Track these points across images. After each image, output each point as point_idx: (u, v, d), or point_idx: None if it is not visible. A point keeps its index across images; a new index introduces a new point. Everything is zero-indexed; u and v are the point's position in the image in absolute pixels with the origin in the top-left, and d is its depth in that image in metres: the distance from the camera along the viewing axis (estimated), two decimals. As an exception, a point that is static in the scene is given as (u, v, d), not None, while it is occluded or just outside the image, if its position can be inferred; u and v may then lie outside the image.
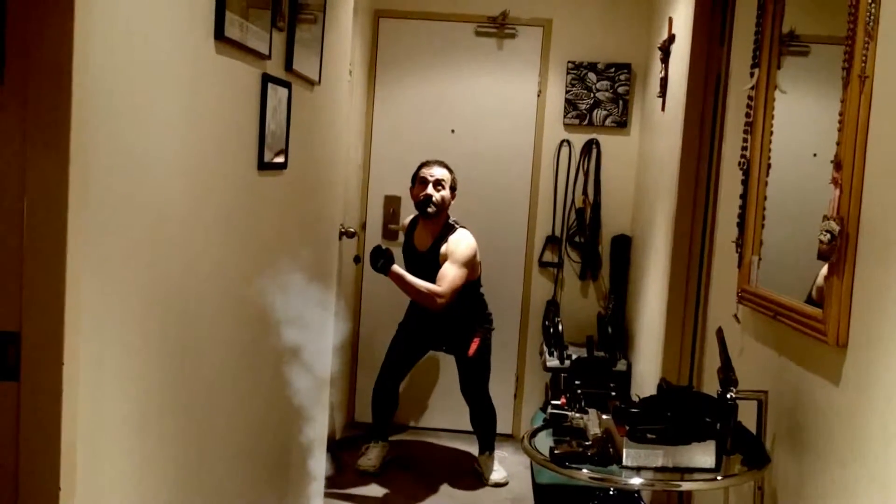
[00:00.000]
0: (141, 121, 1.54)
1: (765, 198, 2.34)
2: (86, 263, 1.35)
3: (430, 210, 3.91)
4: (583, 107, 4.66)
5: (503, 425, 4.60)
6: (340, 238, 3.78)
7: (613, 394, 2.31)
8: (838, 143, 1.78)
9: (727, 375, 2.14)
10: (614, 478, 2.06)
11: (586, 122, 4.66)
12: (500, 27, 4.68)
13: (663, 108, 3.87)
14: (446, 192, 3.94)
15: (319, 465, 3.25)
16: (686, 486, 2.28)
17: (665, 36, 3.85)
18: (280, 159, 2.40)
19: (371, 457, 4.18)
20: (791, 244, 2.25)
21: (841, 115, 1.78)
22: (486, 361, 4.10)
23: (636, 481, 2.04)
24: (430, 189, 3.91)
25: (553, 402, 2.40)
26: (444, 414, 4.82)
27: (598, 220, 4.71)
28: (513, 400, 4.84)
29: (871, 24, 1.68)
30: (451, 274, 3.80)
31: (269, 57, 2.21)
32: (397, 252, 4.03)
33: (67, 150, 1.28)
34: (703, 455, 2.03)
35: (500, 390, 4.57)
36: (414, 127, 4.76)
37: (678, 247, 3.31)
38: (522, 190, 4.77)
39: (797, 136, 2.28)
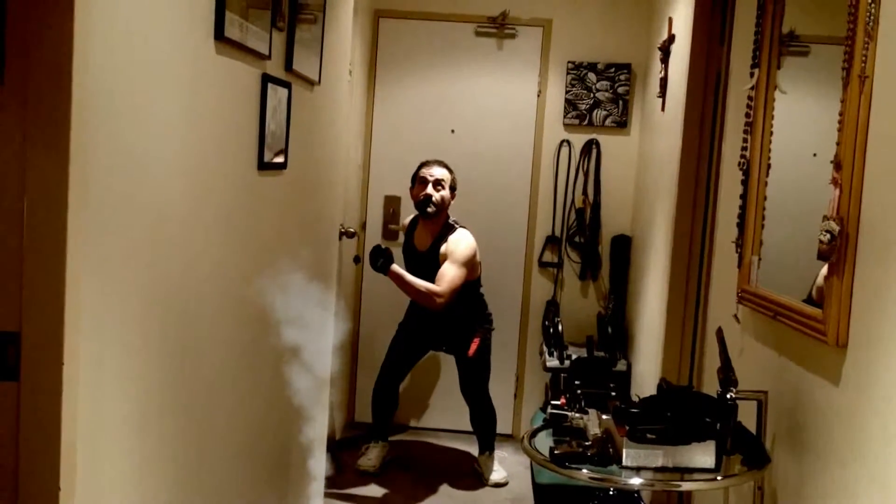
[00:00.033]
0: (141, 121, 1.54)
1: (765, 198, 2.34)
2: (86, 263, 1.35)
3: (429, 210, 3.91)
4: (583, 107, 4.66)
5: (503, 425, 4.60)
6: (340, 238, 3.78)
7: (613, 394, 2.31)
8: (838, 144, 1.78)
9: (727, 375, 2.14)
10: (614, 478, 2.06)
11: (586, 122, 4.67)
12: (499, 27, 4.68)
13: (663, 109, 3.87)
14: (446, 192, 3.94)
15: (319, 465, 3.26)
16: (686, 486, 2.28)
17: (665, 36, 3.85)
18: (280, 159, 2.40)
19: (371, 457, 4.18)
20: (791, 244, 2.25)
21: (841, 115, 1.78)
22: (485, 361, 4.10)
23: (636, 481, 2.04)
24: (429, 189, 3.91)
25: (553, 402, 2.40)
26: (444, 414, 4.82)
27: (597, 220, 4.71)
28: (513, 400, 4.84)
29: (870, 24, 1.69)
30: (450, 274, 3.80)
31: (268, 57, 2.21)
32: (397, 252, 4.03)
33: (67, 150, 1.28)
34: (702, 455, 2.03)
35: (500, 390, 4.57)
36: (414, 127, 4.76)
37: (678, 247, 3.31)
38: (522, 190, 4.77)
39: (797, 136, 2.28)
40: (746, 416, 2.19)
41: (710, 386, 2.60)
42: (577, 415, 2.31)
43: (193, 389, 1.89)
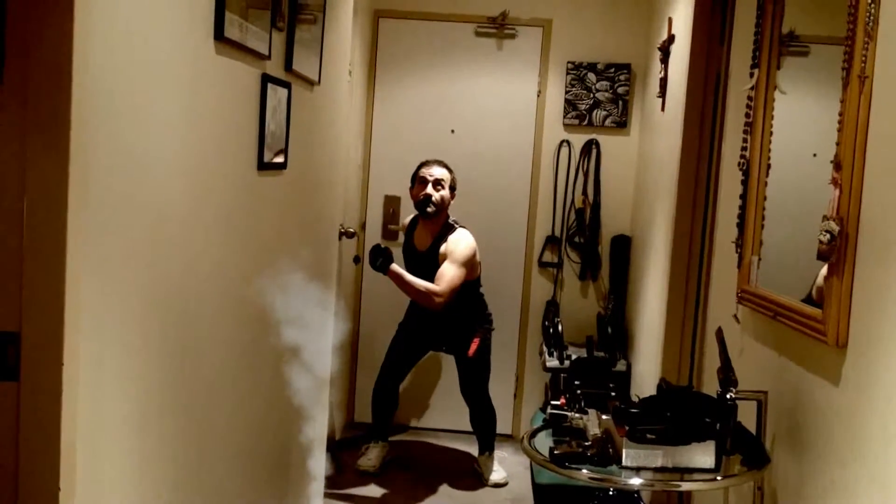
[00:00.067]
0: (141, 121, 1.54)
1: (764, 198, 2.34)
2: (86, 263, 1.35)
3: (429, 210, 3.91)
4: (582, 107, 4.66)
5: (503, 425, 4.60)
6: (340, 238, 3.78)
7: (613, 394, 2.31)
8: (838, 144, 1.78)
9: (727, 376, 2.14)
10: (614, 478, 2.06)
11: (586, 122, 4.67)
12: (499, 27, 4.68)
13: (663, 109, 3.87)
14: (446, 192, 3.94)
15: (319, 465, 3.26)
16: (686, 486, 2.28)
17: (665, 36, 3.85)
18: (280, 159, 2.40)
19: (371, 457, 4.18)
20: (791, 244, 2.25)
21: (840, 115, 1.78)
22: (485, 362, 4.10)
23: (636, 481, 2.04)
24: (429, 189, 3.91)
25: (553, 402, 2.40)
26: (444, 414, 4.82)
27: (597, 221, 4.71)
28: (512, 400, 4.84)
29: (870, 24, 1.69)
30: (449, 273, 3.80)
31: (268, 57, 2.21)
32: (397, 252, 4.03)
33: (67, 150, 1.28)
34: (702, 455, 2.03)
35: (499, 390, 4.57)
36: (414, 127, 4.76)
37: (678, 247, 3.31)
38: (522, 190, 4.77)
39: (797, 136, 2.28)
40: (746, 416, 2.19)
41: (710, 386, 2.60)
42: (577, 415, 2.31)
43: (193, 389, 1.90)
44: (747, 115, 2.43)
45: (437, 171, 3.95)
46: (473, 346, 3.99)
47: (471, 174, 4.56)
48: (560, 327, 4.34)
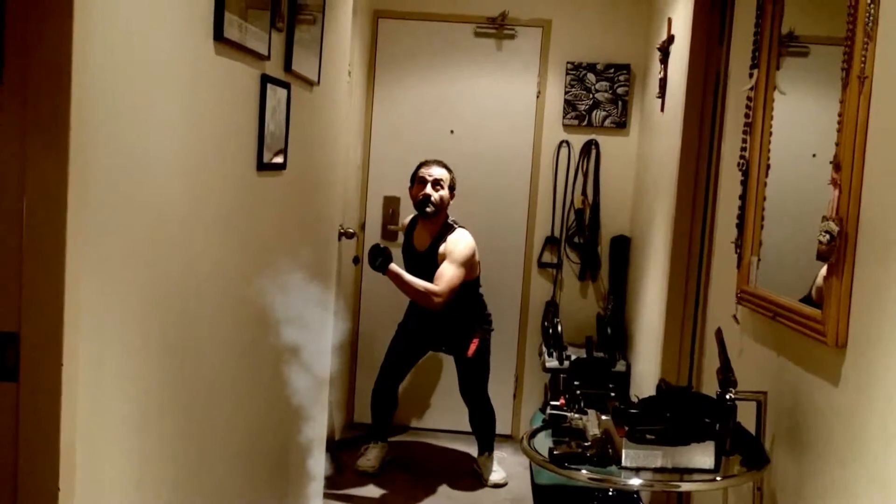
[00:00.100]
0: (141, 121, 1.54)
1: (764, 198, 2.34)
2: (85, 263, 1.35)
3: (428, 210, 3.91)
4: (582, 107, 4.66)
5: (502, 426, 4.60)
6: (340, 239, 3.78)
7: (612, 394, 2.31)
8: (837, 144, 1.78)
9: (726, 376, 2.14)
10: (613, 478, 2.06)
11: (585, 122, 4.67)
12: (499, 28, 4.68)
13: (662, 109, 3.87)
14: (445, 192, 3.94)
15: (319, 465, 3.26)
16: (685, 486, 2.28)
17: (664, 36, 3.85)
18: (279, 160, 2.40)
19: (370, 457, 4.18)
20: (790, 245, 2.25)
21: (840, 115, 1.78)
22: (485, 362, 4.10)
23: (635, 482, 2.04)
24: (428, 189, 3.91)
25: (552, 402, 2.40)
26: (444, 415, 4.81)
27: (597, 221, 4.71)
28: (512, 400, 4.84)
29: (870, 24, 1.69)
30: (448, 273, 3.80)
31: (268, 58, 2.21)
32: (396, 252, 4.03)
33: (67, 150, 1.28)
34: (702, 456, 2.03)
35: (499, 391, 4.57)
36: (413, 127, 4.76)
37: (677, 247, 3.31)
38: (522, 191, 4.77)
39: (796, 136, 2.28)
40: (746, 416, 2.19)
41: (710, 386, 2.60)
42: (577, 415, 2.31)
43: (193, 389, 1.89)
44: (747, 116, 2.43)
45: (437, 171, 3.95)
46: (472, 347, 3.99)
47: (470, 174, 4.56)
48: (559, 328, 4.34)
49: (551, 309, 4.67)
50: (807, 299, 1.97)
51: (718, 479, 2.05)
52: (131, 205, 1.52)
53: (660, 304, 3.49)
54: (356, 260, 4.39)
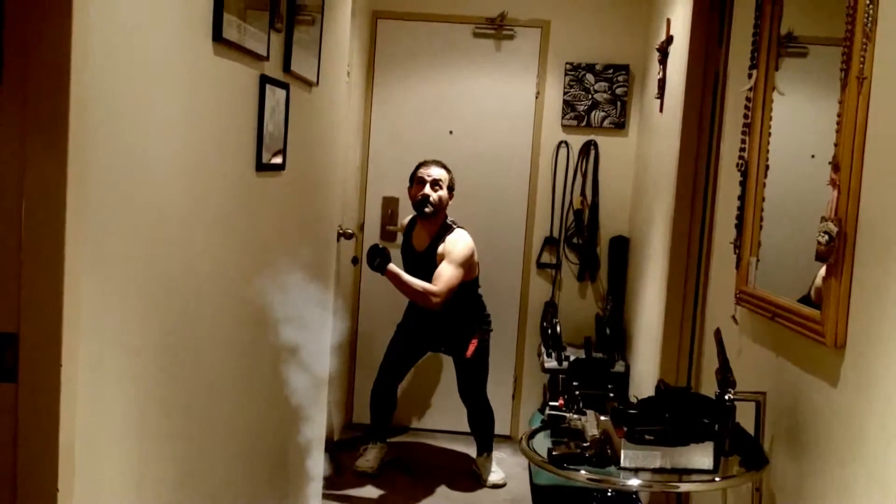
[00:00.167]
0: (140, 121, 1.54)
1: (763, 199, 2.34)
2: (85, 263, 1.35)
3: (427, 210, 3.91)
4: (581, 108, 4.66)
5: (501, 426, 4.60)
6: (339, 239, 3.78)
7: (611, 395, 2.31)
8: (836, 145, 1.78)
9: (725, 376, 2.14)
10: (612, 479, 2.06)
11: (584, 123, 4.67)
12: (498, 28, 4.68)
13: (661, 110, 3.87)
14: (444, 192, 3.94)
15: (318, 465, 3.26)
16: (684, 487, 2.28)
17: (663, 37, 3.85)
18: (278, 160, 2.40)
19: (369, 458, 4.18)
20: (789, 245, 2.26)
21: (839, 116, 1.78)
22: (483, 363, 4.10)
23: (634, 482, 2.04)
24: (427, 189, 3.91)
25: (551, 403, 2.40)
26: (443, 415, 4.81)
27: (596, 222, 4.71)
28: (511, 401, 4.84)
29: (869, 25, 1.69)
30: (447, 273, 3.80)
31: (266, 58, 2.21)
32: (395, 252, 4.03)
33: (66, 150, 1.28)
34: (701, 456, 2.03)
35: (498, 391, 4.57)
36: (412, 128, 4.76)
37: (676, 248, 3.31)
38: (520, 191, 4.77)
39: (795, 137, 2.29)
40: (745, 417, 2.19)
41: (709, 387, 2.61)
42: (576, 416, 2.31)
43: (193, 389, 1.89)
44: (746, 116, 2.43)
45: (436, 172, 3.95)
46: (471, 348, 3.99)
47: (469, 175, 4.56)
48: (558, 328, 4.34)
49: (550, 309, 4.67)
50: (806, 300, 1.97)
51: (717, 479, 2.05)
52: (131, 205, 1.52)
53: (659, 305, 3.49)
54: (355, 260, 4.39)
